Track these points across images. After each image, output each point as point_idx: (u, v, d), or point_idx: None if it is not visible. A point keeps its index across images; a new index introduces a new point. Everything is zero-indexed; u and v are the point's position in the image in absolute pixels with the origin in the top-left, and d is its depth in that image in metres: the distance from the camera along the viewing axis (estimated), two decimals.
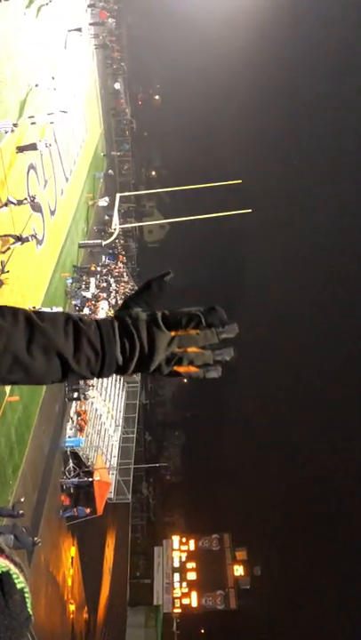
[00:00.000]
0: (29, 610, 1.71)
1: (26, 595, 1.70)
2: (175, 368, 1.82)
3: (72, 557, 34.18)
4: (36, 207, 28.35)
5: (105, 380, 44.88)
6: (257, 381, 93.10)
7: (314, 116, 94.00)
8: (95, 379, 1.83)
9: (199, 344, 1.80)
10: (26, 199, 26.69)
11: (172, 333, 1.77)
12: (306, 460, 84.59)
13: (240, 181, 44.26)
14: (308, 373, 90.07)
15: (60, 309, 35.22)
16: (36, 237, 28.16)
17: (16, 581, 1.68)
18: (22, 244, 25.65)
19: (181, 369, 1.82)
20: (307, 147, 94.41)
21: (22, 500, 21.58)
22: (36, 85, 30.61)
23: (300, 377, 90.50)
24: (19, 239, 25.13)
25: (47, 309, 23.44)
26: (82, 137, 47.20)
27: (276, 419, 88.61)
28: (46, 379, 1.75)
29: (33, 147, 27.90)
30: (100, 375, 1.78)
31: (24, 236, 25.63)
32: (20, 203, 25.81)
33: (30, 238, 26.61)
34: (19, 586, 1.66)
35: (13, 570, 1.70)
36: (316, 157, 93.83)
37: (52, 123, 33.28)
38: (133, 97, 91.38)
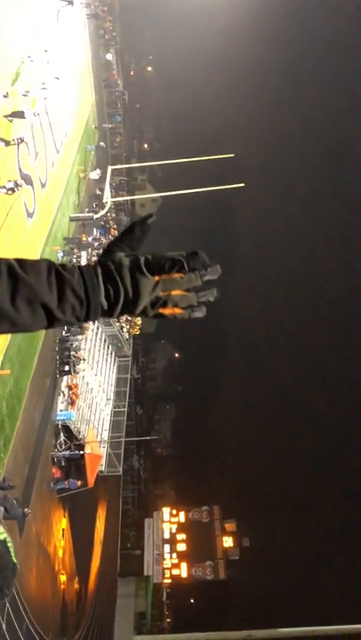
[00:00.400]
0: (14, 559, 1.80)
1: (9, 544, 1.78)
2: (160, 310, 1.87)
3: (63, 529, 34.53)
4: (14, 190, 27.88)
5: (96, 354, 45.02)
6: (248, 355, 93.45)
7: (308, 90, 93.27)
8: (81, 323, 1.87)
9: (183, 287, 1.84)
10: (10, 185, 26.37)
11: (156, 278, 1.80)
12: (295, 434, 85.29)
13: (233, 155, 43.91)
14: (300, 344, 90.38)
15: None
16: (23, 140, 27.77)
17: None
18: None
19: (166, 311, 1.87)
20: (300, 120, 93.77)
21: (13, 485, 21.68)
22: (29, 57, 30.26)
23: (292, 350, 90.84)
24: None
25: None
26: (73, 109, 46.69)
27: (266, 392, 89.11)
28: (32, 328, 1.78)
29: (21, 114, 27.55)
30: (87, 321, 1.83)
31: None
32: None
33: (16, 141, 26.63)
34: (1, 537, 1.74)
35: None
36: (309, 130, 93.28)
37: (45, 98, 32.99)
38: (126, 68, 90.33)
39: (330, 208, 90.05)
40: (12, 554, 1.81)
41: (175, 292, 1.84)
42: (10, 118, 27.00)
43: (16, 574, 1.82)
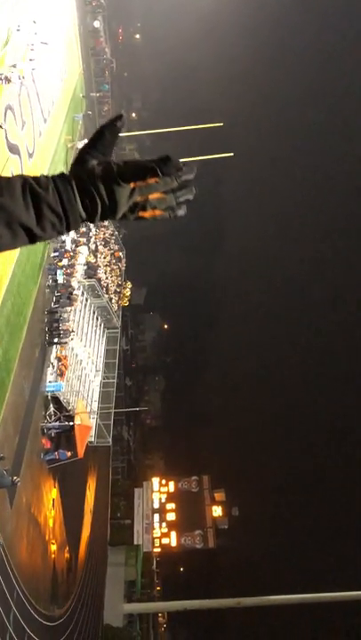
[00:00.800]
0: None
1: None
2: (140, 214, 1.84)
3: (53, 499, 34.73)
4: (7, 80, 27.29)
5: (85, 325, 44.94)
6: (236, 326, 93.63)
7: (298, 56, 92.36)
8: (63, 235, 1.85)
9: (160, 190, 1.80)
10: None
11: (132, 185, 1.77)
12: (283, 403, 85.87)
13: (222, 124, 43.54)
14: (290, 315, 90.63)
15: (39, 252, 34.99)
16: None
17: None
18: None
19: (146, 214, 1.84)
20: (290, 88, 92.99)
21: (2, 456, 21.70)
22: (17, 27, 29.77)
23: (282, 319, 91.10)
24: None
25: None
26: (60, 77, 46.03)
27: (255, 364, 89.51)
28: (16, 247, 1.77)
29: (6, 79, 27.14)
30: (69, 231, 1.80)
31: None
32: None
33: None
34: None
35: None
36: (299, 98, 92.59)
37: (33, 69, 32.51)
38: (113, 36, 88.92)
39: (320, 175, 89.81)
40: None
41: (153, 196, 1.80)
42: None
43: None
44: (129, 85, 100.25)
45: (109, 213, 1.80)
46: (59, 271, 36.94)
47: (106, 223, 57.36)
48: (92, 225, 43.41)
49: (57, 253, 38.67)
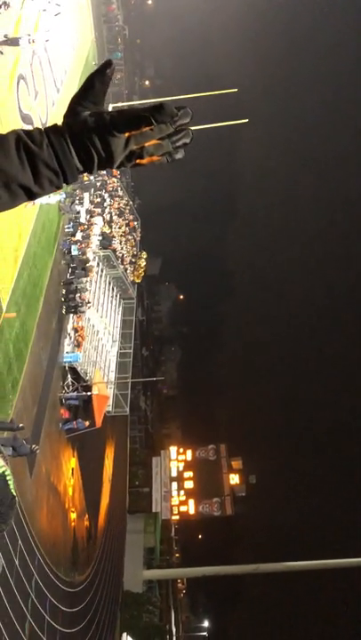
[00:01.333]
0: (13, 491, 1.77)
1: (7, 477, 1.74)
2: (137, 161, 1.82)
3: (72, 468, 35.10)
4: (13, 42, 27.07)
5: (101, 296, 45.00)
6: (252, 294, 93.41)
7: (313, 23, 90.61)
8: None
9: (155, 137, 1.77)
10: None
11: (126, 134, 1.74)
12: (298, 372, 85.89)
13: (236, 90, 42.90)
14: (306, 283, 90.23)
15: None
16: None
17: None
18: None
19: (144, 161, 1.82)
20: (305, 53, 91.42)
21: (22, 425, 21.86)
22: None
23: (299, 287, 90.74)
24: None
25: None
26: (72, 46, 45.48)
27: (271, 332, 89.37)
28: (14, 206, 1.77)
29: (15, 42, 26.76)
30: (67, 184, 1.80)
31: None
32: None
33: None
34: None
35: None
36: (315, 62, 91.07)
37: (47, 41, 32.14)
38: (125, 2, 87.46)
39: (336, 139, 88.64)
40: (12, 486, 1.78)
41: (149, 143, 1.77)
42: (3, 45, 26.15)
43: (14, 506, 1.79)
44: (142, 53, 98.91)
45: (106, 164, 1.78)
46: (73, 246, 36.74)
47: (120, 193, 57.14)
48: (106, 195, 42.87)
49: (71, 227, 38.46)
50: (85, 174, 1.87)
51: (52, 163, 1.70)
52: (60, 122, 1.79)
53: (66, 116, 1.80)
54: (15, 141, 1.70)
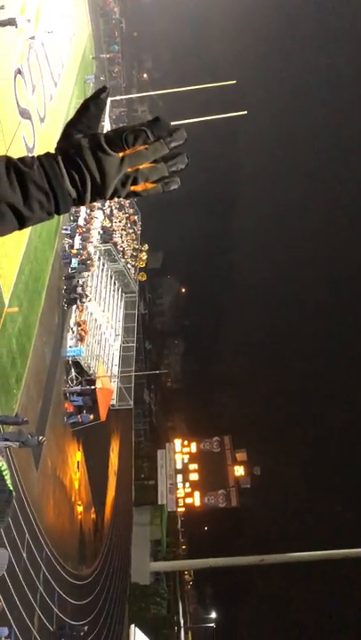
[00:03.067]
0: (9, 486, 1.80)
1: (4, 472, 1.77)
2: (132, 188, 1.78)
3: (78, 462, 35.25)
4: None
5: (103, 290, 45.03)
6: (254, 288, 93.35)
7: (312, 13, 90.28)
8: (55, 216, 1.77)
9: (150, 159, 1.74)
10: None
11: (120, 154, 1.71)
12: (303, 363, 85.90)
13: (234, 82, 42.73)
14: (309, 274, 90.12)
15: None
16: None
17: None
18: None
19: (138, 188, 1.78)
20: (304, 43, 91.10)
21: (26, 419, 21.91)
22: None
23: (300, 281, 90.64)
24: None
25: None
26: (69, 39, 45.38)
27: (274, 323, 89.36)
28: (4, 232, 1.72)
29: (12, 22, 26.54)
30: (58, 213, 1.74)
31: None
32: None
33: None
34: None
35: None
36: (313, 55, 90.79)
37: (50, 32, 32.12)
38: None
39: (336, 129, 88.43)
40: (9, 482, 1.80)
41: (144, 166, 1.74)
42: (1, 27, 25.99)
43: (12, 502, 1.82)
44: (139, 45, 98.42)
45: (100, 188, 1.73)
46: (74, 259, 36.54)
47: None
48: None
49: (69, 230, 38.25)
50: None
51: (43, 183, 1.67)
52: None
53: (59, 141, 1.78)
54: (5, 163, 1.67)
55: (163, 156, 1.76)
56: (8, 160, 1.68)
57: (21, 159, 1.69)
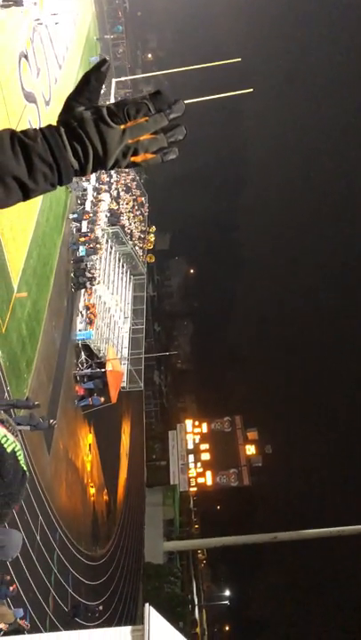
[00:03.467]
0: (23, 467, 1.83)
1: (17, 453, 1.81)
2: (132, 159, 1.82)
3: (90, 444, 35.48)
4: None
5: (111, 273, 45.01)
6: (263, 267, 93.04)
7: None
8: (57, 188, 1.81)
9: (150, 130, 1.78)
10: None
11: (122, 127, 1.74)
12: (311, 342, 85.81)
13: (240, 59, 42.28)
14: (315, 252, 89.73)
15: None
16: None
17: (5, 445, 1.77)
18: None
19: (138, 158, 1.82)
20: (309, 19, 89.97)
21: (37, 403, 22.03)
22: None
23: (310, 259, 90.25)
24: None
25: None
26: (73, 21, 45.02)
27: (282, 301, 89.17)
28: (9, 203, 1.76)
29: (18, 2, 26.34)
30: (61, 184, 1.79)
31: None
32: None
33: None
34: (9, 449, 1.76)
35: (1, 432, 1.79)
36: (318, 30, 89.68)
37: (57, 23, 31.88)
38: None
39: (344, 105, 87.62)
40: (22, 462, 1.84)
41: (144, 137, 1.78)
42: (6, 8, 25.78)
43: (25, 483, 1.86)
44: (143, 25, 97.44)
45: (102, 159, 1.77)
46: (81, 247, 36.41)
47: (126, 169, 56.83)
48: (113, 173, 42.52)
49: (76, 215, 38.14)
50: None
51: (47, 155, 1.70)
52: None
53: (61, 114, 1.80)
54: (9, 136, 1.71)
55: (162, 127, 1.80)
56: (12, 133, 1.72)
57: (25, 132, 1.73)
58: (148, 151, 1.81)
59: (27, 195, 1.76)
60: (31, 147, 1.70)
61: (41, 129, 1.75)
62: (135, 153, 1.80)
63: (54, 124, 1.79)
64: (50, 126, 1.76)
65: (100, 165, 1.80)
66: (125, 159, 1.81)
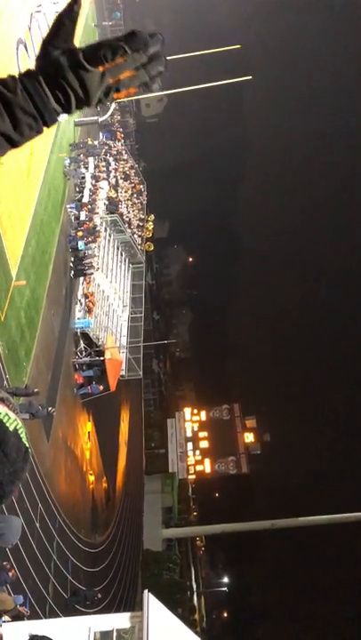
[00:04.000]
0: (26, 443, 1.84)
1: (20, 431, 1.81)
2: (115, 96, 1.81)
3: (88, 432, 35.57)
4: None
5: (110, 261, 44.93)
6: (262, 255, 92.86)
7: None
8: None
9: (130, 68, 1.76)
10: None
11: (100, 69, 1.72)
12: (312, 330, 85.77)
13: (239, 46, 41.98)
14: (314, 242, 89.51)
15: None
16: None
17: (7, 424, 1.78)
18: None
19: (121, 95, 1.81)
20: (308, 8, 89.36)
21: (37, 390, 22.03)
22: None
23: (310, 248, 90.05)
24: None
25: None
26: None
27: (281, 291, 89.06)
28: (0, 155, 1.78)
29: None
30: (47, 127, 1.78)
31: None
32: None
33: None
34: (11, 427, 1.77)
35: (2, 410, 1.79)
36: (318, 18, 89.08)
37: (55, 2, 31.69)
38: None
39: (343, 92, 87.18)
40: (24, 439, 1.84)
41: (124, 75, 1.76)
42: None
43: (29, 459, 1.87)
44: (142, 12, 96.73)
45: (85, 101, 1.76)
46: (80, 242, 36.19)
47: (125, 157, 56.67)
48: (111, 159, 42.21)
49: (74, 208, 37.90)
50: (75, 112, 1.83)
51: (29, 107, 1.70)
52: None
53: (38, 59, 1.78)
54: None
55: (142, 63, 1.77)
56: None
57: (4, 83, 1.71)
58: (130, 87, 1.80)
59: (14, 145, 1.78)
60: (12, 100, 1.69)
61: (20, 78, 1.73)
62: (117, 91, 1.79)
63: (32, 68, 1.77)
64: (29, 74, 1.74)
65: (84, 107, 1.80)
66: (108, 98, 1.80)
